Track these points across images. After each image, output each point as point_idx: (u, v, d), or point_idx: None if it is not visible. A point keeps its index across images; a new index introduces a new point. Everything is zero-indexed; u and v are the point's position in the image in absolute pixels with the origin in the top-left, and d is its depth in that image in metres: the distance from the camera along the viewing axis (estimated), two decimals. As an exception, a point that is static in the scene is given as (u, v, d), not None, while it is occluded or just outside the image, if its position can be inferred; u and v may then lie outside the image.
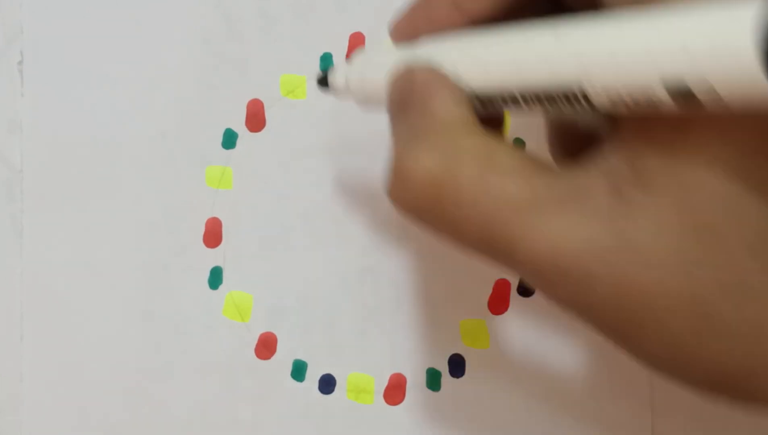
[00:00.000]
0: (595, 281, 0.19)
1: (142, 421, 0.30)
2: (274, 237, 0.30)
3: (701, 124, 0.18)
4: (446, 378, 0.30)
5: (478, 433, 0.30)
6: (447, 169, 0.20)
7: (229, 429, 0.30)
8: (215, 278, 0.30)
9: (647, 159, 0.19)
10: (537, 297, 0.30)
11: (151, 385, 0.30)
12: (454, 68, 0.21)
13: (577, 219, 0.19)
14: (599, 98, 0.17)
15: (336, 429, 0.30)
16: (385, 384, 0.30)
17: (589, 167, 0.19)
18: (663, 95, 0.16)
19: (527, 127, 0.29)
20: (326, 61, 0.30)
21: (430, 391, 0.30)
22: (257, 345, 0.30)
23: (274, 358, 0.30)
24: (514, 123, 0.29)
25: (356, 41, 0.30)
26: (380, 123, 0.30)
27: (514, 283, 0.30)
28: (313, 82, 0.30)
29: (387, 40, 0.23)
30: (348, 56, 0.30)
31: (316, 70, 0.30)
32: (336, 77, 0.25)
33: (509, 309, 0.30)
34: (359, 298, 0.30)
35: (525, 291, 0.30)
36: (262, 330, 0.30)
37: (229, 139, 0.30)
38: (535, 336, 0.30)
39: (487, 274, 0.30)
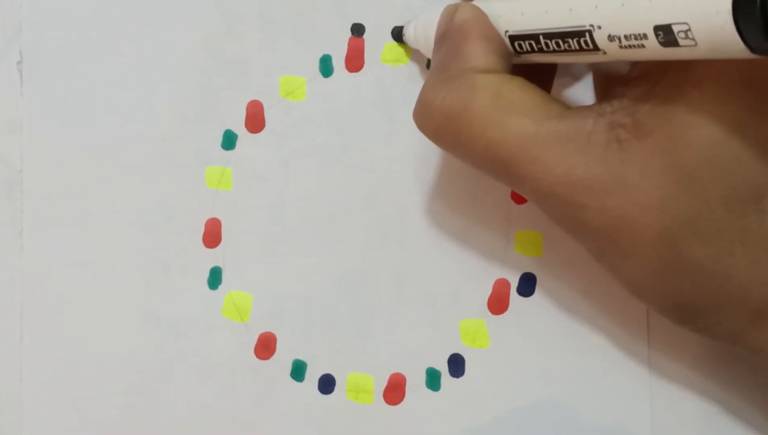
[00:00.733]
0: (588, 212, 0.22)
1: (141, 421, 0.30)
2: (274, 237, 0.30)
3: (698, 83, 0.21)
4: (446, 378, 0.30)
5: (478, 433, 0.30)
6: (462, 103, 0.23)
7: (229, 429, 0.30)
8: (215, 278, 0.30)
9: (646, 112, 0.22)
10: (537, 297, 0.30)
11: (150, 385, 0.30)
12: (496, 13, 0.24)
13: (577, 157, 0.22)
14: (601, 38, 0.21)
15: (336, 429, 0.30)
16: (385, 384, 0.30)
17: (595, 113, 0.22)
18: (652, 37, 0.20)
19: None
20: (326, 62, 0.30)
21: (429, 391, 0.30)
22: (257, 345, 0.30)
23: (273, 358, 0.30)
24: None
25: (356, 44, 0.30)
26: (380, 123, 0.30)
27: (514, 283, 0.30)
28: (313, 82, 0.30)
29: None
30: (346, 58, 0.30)
31: (315, 70, 0.30)
32: (408, 29, 0.29)
33: (509, 309, 0.30)
34: (359, 298, 0.30)
35: (525, 291, 0.30)
36: (262, 330, 0.30)
37: (229, 140, 0.30)
38: (535, 336, 0.30)
39: (487, 274, 0.30)
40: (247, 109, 0.30)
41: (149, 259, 0.30)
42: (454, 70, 0.24)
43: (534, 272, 0.30)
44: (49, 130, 0.30)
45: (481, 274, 0.30)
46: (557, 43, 0.23)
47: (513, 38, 0.24)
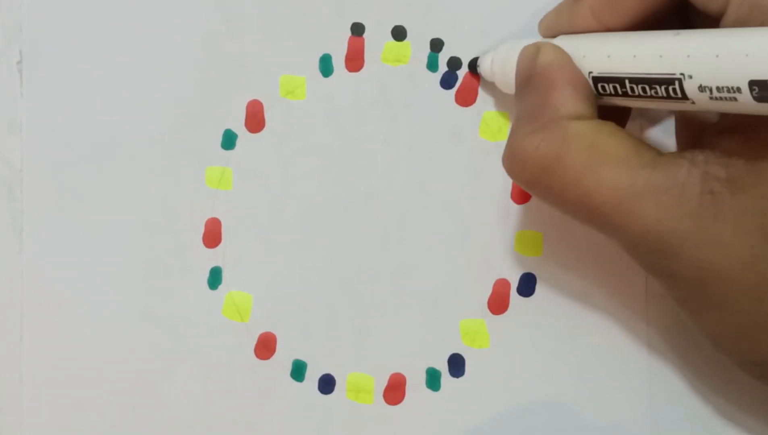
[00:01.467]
0: (679, 261, 0.23)
1: (141, 421, 0.30)
2: (274, 237, 0.30)
3: None
4: (446, 378, 0.30)
5: (477, 433, 0.30)
6: (556, 152, 0.23)
7: (229, 429, 0.30)
8: (215, 278, 0.30)
9: (741, 166, 0.22)
10: (537, 297, 0.30)
11: (150, 385, 0.30)
12: (580, 53, 0.24)
13: (670, 210, 0.22)
14: (691, 88, 0.21)
15: (336, 429, 0.30)
16: (385, 384, 0.30)
17: (688, 161, 0.23)
18: (746, 91, 0.19)
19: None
20: (326, 61, 0.30)
21: (429, 391, 0.30)
22: (257, 345, 0.30)
23: (273, 358, 0.30)
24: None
25: (356, 44, 0.30)
26: (380, 123, 0.30)
27: (514, 283, 0.30)
28: (313, 82, 0.30)
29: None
30: (346, 58, 0.30)
31: (315, 70, 0.30)
32: (483, 61, 0.28)
33: (509, 309, 0.30)
34: (359, 298, 0.30)
35: (525, 291, 0.30)
36: (262, 330, 0.30)
37: (229, 140, 0.30)
38: (535, 336, 0.30)
39: (487, 274, 0.30)
40: (247, 108, 0.30)
41: (149, 259, 0.30)
42: (545, 118, 0.24)
43: (534, 272, 0.30)
44: (49, 130, 0.30)
45: (481, 274, 0.30)
46: (643, 89, 0.22)
47: (597, 79, 0.24)
